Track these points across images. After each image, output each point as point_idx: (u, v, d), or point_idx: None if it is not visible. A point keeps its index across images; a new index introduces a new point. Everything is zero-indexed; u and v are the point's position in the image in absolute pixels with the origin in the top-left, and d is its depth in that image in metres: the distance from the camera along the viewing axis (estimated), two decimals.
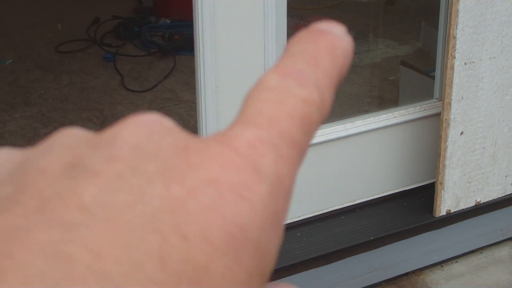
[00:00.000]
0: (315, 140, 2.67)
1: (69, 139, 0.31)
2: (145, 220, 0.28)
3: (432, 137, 2.90)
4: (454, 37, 2.61)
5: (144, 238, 0.28)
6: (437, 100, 2.94)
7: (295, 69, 0.33)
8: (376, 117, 2.84)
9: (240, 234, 0.29)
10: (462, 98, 2.70)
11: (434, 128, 2.86)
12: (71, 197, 0.28)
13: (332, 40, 0.34)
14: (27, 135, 3.51)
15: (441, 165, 2.75)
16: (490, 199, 2.92)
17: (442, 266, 2.92)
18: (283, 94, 0.32)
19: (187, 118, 3.64)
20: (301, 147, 0.32)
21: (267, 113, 0.31)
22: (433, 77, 2.98)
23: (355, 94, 3.72)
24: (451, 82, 2.66)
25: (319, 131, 2.71)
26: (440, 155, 2.74)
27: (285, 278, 2.53)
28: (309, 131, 0.32)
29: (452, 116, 2.71)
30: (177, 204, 0.28)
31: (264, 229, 0.30)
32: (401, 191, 2.94)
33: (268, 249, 0.30)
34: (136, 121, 0.31)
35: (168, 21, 4.65)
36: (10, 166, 0.31)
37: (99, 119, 3.67)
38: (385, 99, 3.69)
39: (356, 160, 2.82)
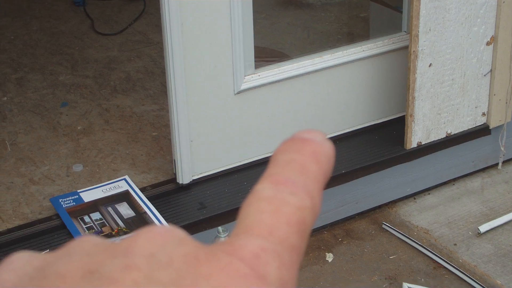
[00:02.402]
0: (285, 75, 2.67)
1: (87, 246, 0.34)
2: None
3: (401, 70, 2.91)
4: None
5: None
6: (405, 33, 2.94)
7: (287, 178, 0.36)
8: (345, 51, 2.84)
9: None
10: (430, 30, 2.70)
11: (403, 61, 2.87)
12: None
13: (315, 148, 0.38)
14: None
15: (410, 98, 2.76)
16: (460, 130, 2.94)
17: (414, 198, 2.96)
18: (278, 204, 0.35)
19: (158, 59, 3.62)
20: (299, 251, 0.35)
21: (266, 223, 0.34)
22: (402, 12, 2.98)
23: (326, 31, 3.71)
24: (418, 14, 2.66)
25: (287, 66, 2.71)
26: (409, 88, 2.75)
27: None
28: (305, 234, 0.35)
29: (420, 48, 2.71)
30: None
31: None
32: (372, 125, 2.96)
33: None
34: (150, 232, 0.33)
35: None
36: (30, 269, 0.33)
37: (70, 62, 3.64)
38: (356, 36, 3.69)
39: (327, 95, 2.83)
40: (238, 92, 2.63)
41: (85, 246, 0.34)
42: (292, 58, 2.81)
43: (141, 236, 0.33)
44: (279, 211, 0.35)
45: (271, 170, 0.37)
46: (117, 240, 2.13)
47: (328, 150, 0.39)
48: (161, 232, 0.34)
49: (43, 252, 0.35)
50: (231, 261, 0.32)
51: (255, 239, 0.34)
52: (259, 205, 0.35)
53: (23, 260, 0.34)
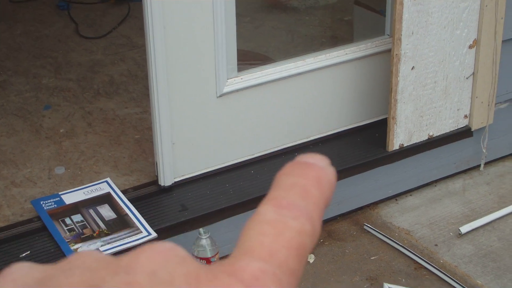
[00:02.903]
0: (268, 78, 2.68)
1: (89, 261, 0.34)
2: None
3: (384, 73, 2.92)
4: None
5: None
6: (388, 37, 2.95)
7: (289, 202, 0.37)
8: (328, 54, 2.85)
9: None
10: (412, 33, 2.71)
11: (386, 64, 2.88)
12: None
13: (318, 173, 0.39)
14: None
15: (393, 100, 2.77)
16: (442, 132, 2.95)
17: (396, 200, 2.97)
18: (280, 227, 0.35)
19: (142, 62, 3.62)
20: (297, 274, 0.35)
21: (267, 246, 0.35)
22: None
23: (310, 35, 3.72)
24: (401, 17, 2.67)
25: (270, 69, 2.72)
26: (391, 90, 2.77)
27: (240, 214, 2.56)
28: (303, 259, 0.36)
29: (402, 51, 2.72)
30: None
31: None
32: (355, 127, 2.97)
33: None
34: (152, 249, 0.34)
35: None
36: (31, 280, 0.33)
37: (53, 66, 3.64)
38: (340, 39, 3.70)
39: (310, 97, 2.84)
40: (221, 95, 2.64)
41: (86, 261, 0.34)
42: (275, 61, 2.81)
43: (143, 253, 0.34)
44: (280, 235, 0.35)
45: (274, 193, 0.38)
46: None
47: (330, 176, 0.39)
48: (163, 250, 0.34)
49: (43, 265, 0.35)
50: (231, 282, 0.33)
51: (255, 261, 0.34)
52: (261, 228, 0.36)
53: (23, 271, 0.34)
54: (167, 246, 0.34)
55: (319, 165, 0.39)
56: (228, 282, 0.33)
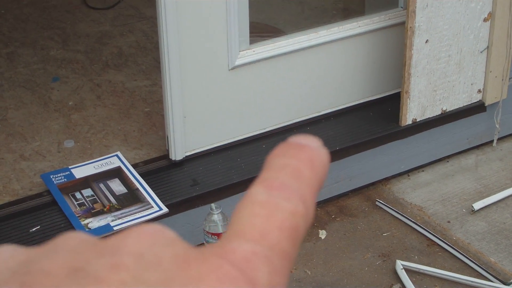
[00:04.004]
0: (280, 51, 2.64)
1: (74, 243, 0.33)
2: None
3: (397, 46, 2.88)
4: None
5: None
6: (402, 9, 2.90)
7: (281, 183, 0.36)
8: (340, 27, 2.80)
9: None
10: (427, 5, 2.67)
11: (399, 37, 2.84)
12: None
13: (311, 154, 0.37)
14: None
15: (406, 74, 2.73)
16: (456, 107, 2.92)
17: (408, 175, 2.94)
18: (272, 208, 0.34)
19: (151, 34, 3.58)
20: (290, 257, 0.34)
21: (259, 227, 0.34)
22: None
23: (320, 7, 3.67)
24: None
25: (282, 42, 2.68)
26: (405, 64, 2.73)
27: None
28: (297, 241, 0.35)
29: (416, 24, 2.68)
30: None
31: None
32: (367, 101, 2.93)
33: None
34: (139, 231, 0.33)
35: None
36: (13, 263, 0.32)
37: (61, 37, 3.60)
38: (351, 11, 3.65)
39: (322, 71, 2.80)
40: (233, 68, 2.60)
41: (71, 243, 0.33)
42: (287, 34, 2.77)
43: (130, 235, 0.33)
44: (272, 216, 0.34)
45: (266, 174, 0.37)
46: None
47: (323, 157, 0.38)
48: (151, 232, 0.33)
49: (26, 248, 0.34)
50: (221, 264, 0.32)
51: (246, 243, 0.33)
52: (252, 209, 0.35)
53: (6, 254, 0.33)
54: (155, 228, 0.33)
55: (312, 146, 0.38)
56: (218, 264, 0.32)
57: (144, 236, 0.33)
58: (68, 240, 0.33)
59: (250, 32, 2.63)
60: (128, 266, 0.31)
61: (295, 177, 0.36)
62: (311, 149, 0.38)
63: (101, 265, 0.31)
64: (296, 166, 0.37)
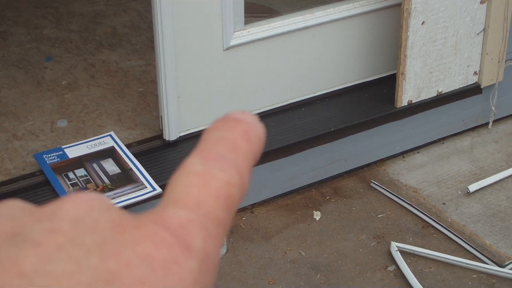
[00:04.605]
0: (275, 31, 2.62)
1: (12, 210, 0.34)
2: None
3: (393, 27, 2.86)
4: None
5: None
6: None
7: (217, 154, 0.37)
8: (336, 8, 2.78)
9: None
10: None
11: (395, 19, 2.82)
12: (12, 264, 0.30)
13: (247, 127, 0.39)
14: None
15: (402, 56, 2.72)
16: (452, 89, 2.90)
17: (403, 157, 2.93)
18: (208, 178, 0.35)
19: (145, 14, 3.55)
20: (225, 224, 0.35)
21: (194, 196, 0.35)
22: None
23: None
24: None
25: (277, 22, 2.66)
26: (401, 46, 2.71)
27: None
28: (232, 210, 0.36)
29: (413, 6, 2.66)
30: (112, 276, 0.31)
31: None
32: (363, 83, 2.91)
33: None
34: (77, 198, 0.34)
35: None
36: None
37: (55, 16, 3.57)
38: None
39: (317, 52, 2.78)
40: (227, 48, 2.58)
41: (9, 210, 0.34)
42: (282, 15, 2.75)
43: (67, 201, 0.33)
44: (207, 185, 0.35)
45: (202, 146, 0.38)
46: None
47: (259, 131, 0.39)
48: (88, 199, 0.34)
49: None
50: (156, 230, 0.33)
51: (182, 211, 0.34)
52: (188, 179, 0.36)
53: None
54: (92, 195, 0.34)
55: (248, 121, 0.39)
56: (153, 230, 0.33)
57: (81, 202, 0.33)
58: (6, 208, 0.34)
59: (245, 13, 2.61)
60: (64, 231, 0.32)
61: (231, 149, 0.37)
62: (247, 123, 0.39)
63: (38, 229, 0.32)
64: (232, 139, 0.38)
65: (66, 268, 0.30)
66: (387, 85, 2.89)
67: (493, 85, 2.96)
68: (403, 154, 2.93)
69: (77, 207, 0.33)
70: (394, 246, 2.46)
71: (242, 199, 0.37)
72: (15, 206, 0.34)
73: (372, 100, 2.85)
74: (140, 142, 2.62)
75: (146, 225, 0.33)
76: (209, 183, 0.35)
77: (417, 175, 2.84)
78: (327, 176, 2.78)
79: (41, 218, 0.32)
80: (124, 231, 0.32)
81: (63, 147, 2.55)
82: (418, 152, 2.95)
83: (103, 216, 0.33)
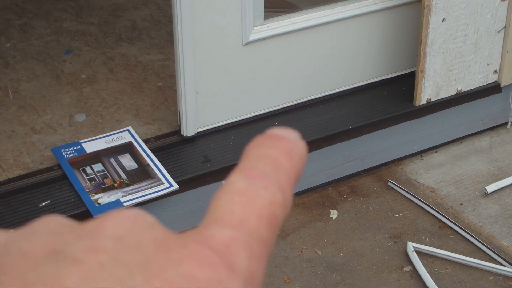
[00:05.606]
0: (295, 27, 2.61)
1: (53, 226, 0.33)
2: None
3: (413, 24, 2.84)
4: None
5: None
6: None
7: (260, 172, 0.36)
8: (356, 4, 2.77)
9: None
10: None
11: (416, 15, 2.80)
12: (54, 283, 0.29)
13: (289, 145, 0.38)
14: (0, 26, 3.43)
15: (421, 53, 2.70)
16: (471, 88, 2.88)
17: (421, 156, 2.91)
18: (251, 196, 0.35)
19: (165, 7, 3.55)
20: (268, 244, 0.35)
21: (238, 214, 0.34)
22: None
23: None
24: None
25: (297, 18, 2.65)
26: (421, 43, 2.69)
27: None
28: (275, 229, 0.35)
29: (433, 2, 2.64)
30: None
31: None
32: (381, 80, 2.90)
33: None
34: (119, 215, 0.33)
35: None
36: None
37: (75, 9, 3.57)
38: None
39: (336, 48, 2.77)
40: (247, 43, 2.57)
41: (51, 225, 0.33)
42: (302, 10, 2.74)
43: (110, 218, 0.33)
44: (251, 204, 0.35)
45: (245, 164, 0.37)
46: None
47: (301, 149, 0.39)
48: (130, 216, 0.33)
49: (5, 230, 0.34)
50: (200, 249, 0.32)
51: (225, 229, 0.34)
52: (231, 197, 0.35)
53: None
54: (135, 212, 0.34)
55: (290, 138, 0.39)
56: (197, 249, 0.32)
57: (123, 219, 0.33)
58: (47, 223, 0.33)
59: (265, 7, 2.60)
60: (107, 248, 0.31)
61: (274, 167, 0.37)
62: (289, 140, 0.38)
63: (80, 247, 0.31)
64: (275, 157, 0.37)
65: (109, 287, 0.30)
66: (406, 82, 2.87)
67: None
68: (421, 153, 2.91)
69: (120, 224, 0.33)
70: (411, 246, 2.45)
71: (285, 218, 0.36)
72: (56, 222, 0.34)
73: (390, 98, 2.83)
74: (157, 138, 2.62)
75: (190, 244, 0.33)
76: (253, 201, 0.35)
77: (435, 175, 2.82)
78: (344, 175, 2.77)
79: (83, 235, 0.32)
80: (167, 250, 0.32)
81: (81, 141, 2.55)
82: (436, 151, 2.94)
83: (146, 234, 0.32)
